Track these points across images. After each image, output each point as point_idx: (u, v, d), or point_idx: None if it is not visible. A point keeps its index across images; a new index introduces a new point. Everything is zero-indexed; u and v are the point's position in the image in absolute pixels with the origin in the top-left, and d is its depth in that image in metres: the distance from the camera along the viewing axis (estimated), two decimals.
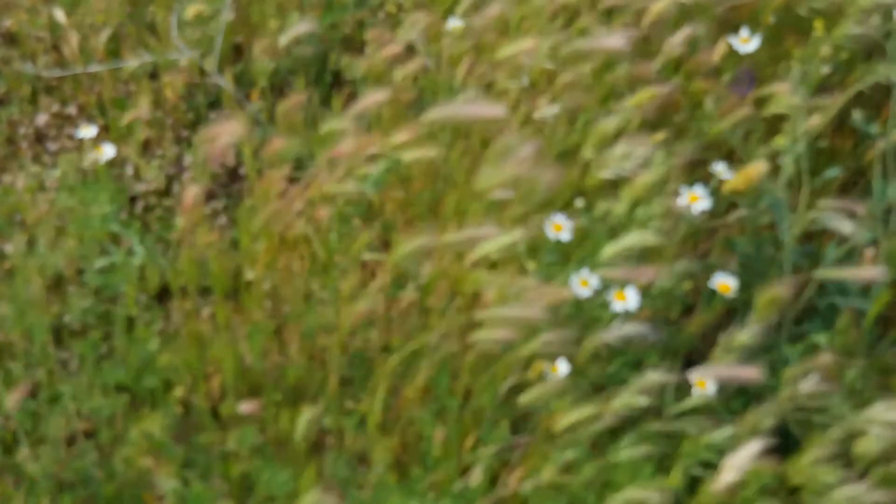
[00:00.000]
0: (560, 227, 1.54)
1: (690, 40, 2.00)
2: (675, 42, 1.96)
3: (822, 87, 1.83)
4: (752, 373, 1.40)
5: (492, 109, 1.54)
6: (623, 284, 1.56)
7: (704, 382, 1.51)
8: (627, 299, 1.50)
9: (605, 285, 1.56)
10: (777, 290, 1.48)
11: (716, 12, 2.21)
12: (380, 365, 1.81)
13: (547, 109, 1.87)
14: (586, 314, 1.61)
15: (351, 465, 1.75)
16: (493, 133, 1.88)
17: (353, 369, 1.83)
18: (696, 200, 1.60)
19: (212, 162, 1.48)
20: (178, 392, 1.85)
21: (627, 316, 1.50)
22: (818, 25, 1.78)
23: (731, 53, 2.08)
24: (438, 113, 1.53)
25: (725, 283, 1.64)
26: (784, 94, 1.74)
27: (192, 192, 1.56)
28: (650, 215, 1.58)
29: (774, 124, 2.02)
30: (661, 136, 1.73)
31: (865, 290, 1.75)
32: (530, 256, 1.56)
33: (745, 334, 1.46)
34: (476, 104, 1.58)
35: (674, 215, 1.62)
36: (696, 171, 1.80)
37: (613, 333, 1.50)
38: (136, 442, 1.71)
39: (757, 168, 1.60)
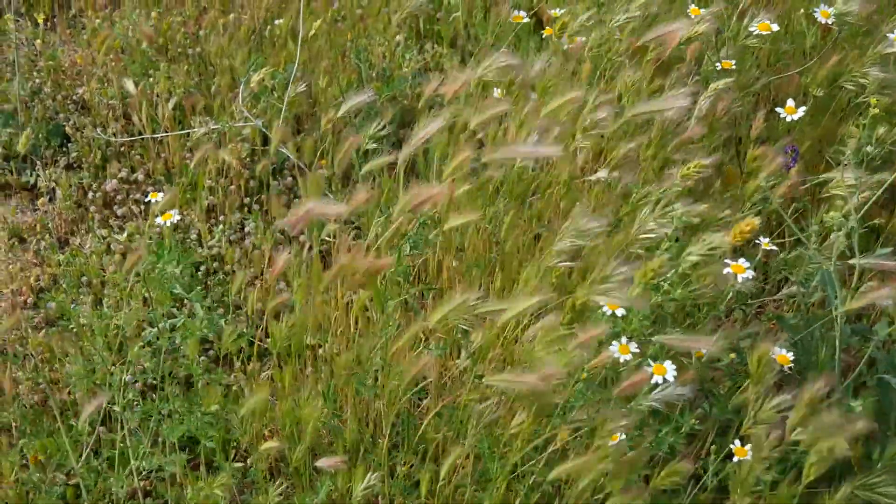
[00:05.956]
0: (616, 307, 1.57)
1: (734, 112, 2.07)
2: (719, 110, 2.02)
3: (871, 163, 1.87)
4: None
5: (548, 150, 1.60)
6: (662, 353, 1.59)
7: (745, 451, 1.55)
8: (667, 372, 1.53)
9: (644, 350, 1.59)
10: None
11: (758, 88, 2.26)
12: (429, 430, 1.84)
13: (601, 173, 1.93)
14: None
15: None
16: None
17: (403, 433, 1.86)
18: (741, 271, 1.63)
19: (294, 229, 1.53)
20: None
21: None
22: (874, 102, 1.81)
23: (774, 126, 2.12)
24: (500, 153, 1.60)
25: (784, 355, 1.66)
26: (839, 178, 1.78)
27: (282, 258, 1.61)
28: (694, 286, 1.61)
29: (822, 200, 2.05)
30: (701, 208, 1.77)
31: None
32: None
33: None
34: (533, 146, 1.64)
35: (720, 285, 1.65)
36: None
37: (655, 397, 1.53)
38: (194, 502, 1.75)
39: (750, 223, 1.63)
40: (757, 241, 1.82)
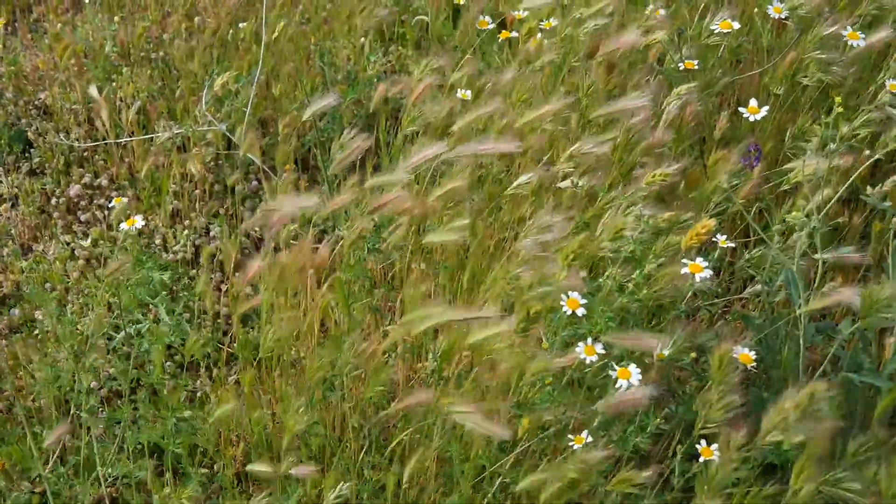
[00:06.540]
0: (577, 304, 1.57)
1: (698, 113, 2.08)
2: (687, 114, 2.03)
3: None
4: None
5: (508, 146, 1.62)
6: (627, 354, 1.59)
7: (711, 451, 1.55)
8: (631, 376, 1.54)
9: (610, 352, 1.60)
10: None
11: (719, 88, 2.27)
12: (396, 433, 1.84)
13: (571, 180, 1.93)
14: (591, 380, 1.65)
15: None
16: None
17: (370, 436, 1.86)
18: (699, 271, 1.64)
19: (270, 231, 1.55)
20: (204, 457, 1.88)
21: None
22: (837, 100, 1.82)
23: (737, 126, 2.13)
24: (462, 150, 1.62)
25: (746, 354, 1.67)
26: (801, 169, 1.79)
27: (256, 264, 1.62)
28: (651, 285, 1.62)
29: (784, 198, 2.06)
30: (668, 214, 1.77)
31: (879, 366, 1.77)
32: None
33: None
34: (494, 142, 1.67)
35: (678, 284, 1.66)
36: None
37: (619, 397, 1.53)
38: None
39: (706, 225, 1.64)
40: (714, 240, 1.82)
